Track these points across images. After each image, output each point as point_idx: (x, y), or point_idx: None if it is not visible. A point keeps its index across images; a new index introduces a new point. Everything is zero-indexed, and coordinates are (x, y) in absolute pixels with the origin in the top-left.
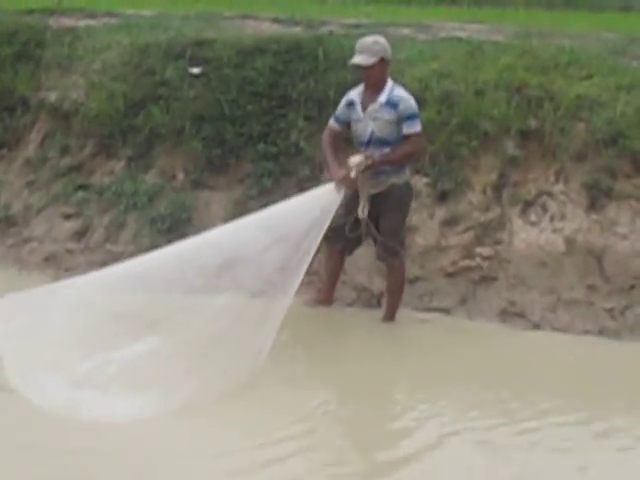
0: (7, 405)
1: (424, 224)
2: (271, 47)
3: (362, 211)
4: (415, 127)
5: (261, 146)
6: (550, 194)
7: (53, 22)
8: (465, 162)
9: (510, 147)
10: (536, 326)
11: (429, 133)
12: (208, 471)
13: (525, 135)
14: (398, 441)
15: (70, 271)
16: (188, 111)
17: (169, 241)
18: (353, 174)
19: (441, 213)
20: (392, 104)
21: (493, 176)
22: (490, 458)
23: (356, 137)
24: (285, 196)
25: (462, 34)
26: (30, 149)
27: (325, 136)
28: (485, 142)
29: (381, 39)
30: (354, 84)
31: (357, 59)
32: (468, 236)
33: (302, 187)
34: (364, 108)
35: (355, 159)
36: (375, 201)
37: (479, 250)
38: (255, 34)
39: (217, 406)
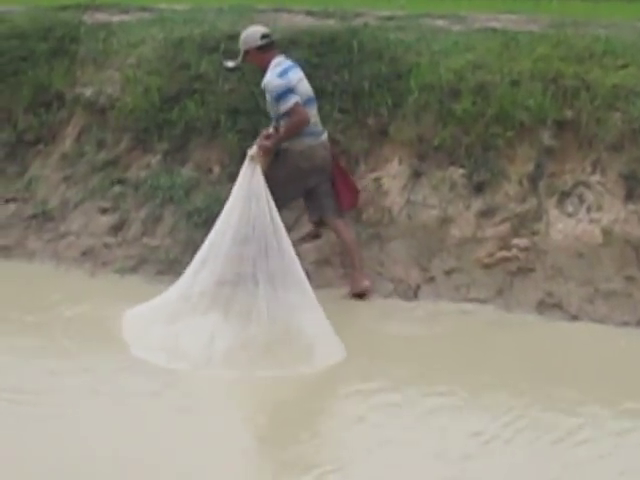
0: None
1: (460, 215)
2: (305, 40)
3: None
4: (287, 104)
5: None
6: (587, 184)
7: (87, 18)
8: (501, 153)
9: (546, 137)
10: (574, 317)
11: (465, 124)
12: None
13: (561, 125)
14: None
15: (107, 265)
16: (223, 104)
17: (205, 235)
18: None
19: (477, 204)
20: (264, 88)
21: (529, 167)
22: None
23: None
24: None
25: (497, 25)
26: (66, 144)
27: None
28: (521, 133)
29: (243, 33)
30: (389, 76)
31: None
32: (504, 227)
33: None
34: None
35: (253, 147)
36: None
37: (516, 241)
38: (289, 27)
39: None
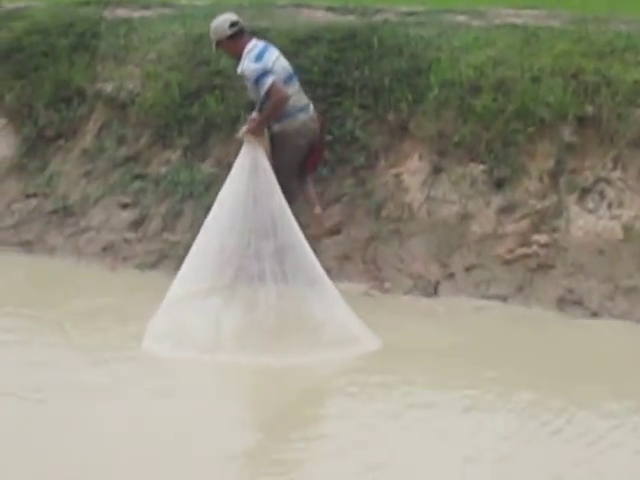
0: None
1: (480, 212)
2: (325, 35)
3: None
4: (265, 85)
5: None
6: (607, 181)
7: (108, 13)
8: (521, 149)
9: (567, 134)
10: (594, 314)
11: (485, 120)
12: None
13: (582, 121)
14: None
15: (127, 260)
16: (243, 100)
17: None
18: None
19: (497, 200)
20: (244, 77)
21: (550, 163)
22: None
23: None
24: (341, 184)
25: (517, 20)
26: (87, 139)
27: None
28: (541, 129)
29: (212, 24)
30: (409, 71)
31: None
32: (525, 223)
33: (357, 175)
34: None
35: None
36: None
37: (536, 238)
38: (309, 23)
39: None
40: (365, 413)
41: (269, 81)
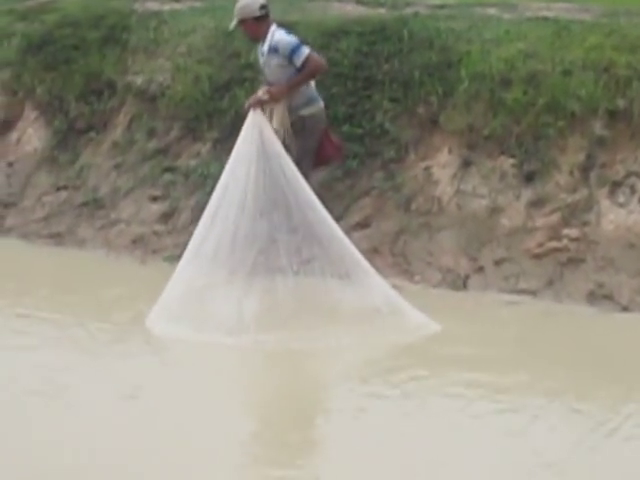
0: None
1: (510, 205)
2: (355, 29)
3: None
4: (303, 54)
5: (346, 127)
6: (638, 175)
7: (139, 6)
8: (552, 143)
9: (598, 127)
10: (625, 308)
11: (516, 113)
12: None
13: (613, 115)
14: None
15: (157, 253)
16: None
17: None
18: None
19: (527, 194)
20: (274, 49)
21: (580, 157)
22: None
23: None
24: (370, 178)
25: (548, 13)
26: (117, 132)
27: None
28: (572, 122)
29: (241, 2)
30: (439, 65)
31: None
32: (555, 217)
33: (387, 169)
34: (262, 56)
35: (258, 92)
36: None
37: (566, 231)
38: (339, 16)
39: None
40: (391, 404)
41: (306, 51)
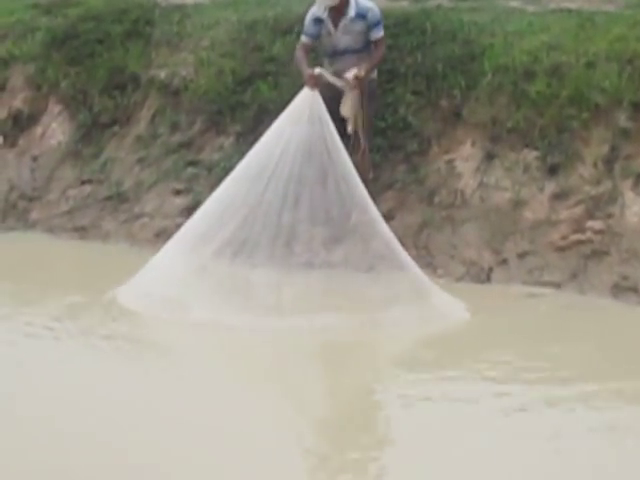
0: None
1: (534, 198)
2: None
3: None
4: (380, 32)
5: None
6: None
7: (162, 0)
8: (576, 135)
9: (622, 119)
10: None
11: (539, 106)
12: None
13: (637, 107)
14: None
15: None
16: (296, 86)
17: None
18: (316, 71)
19: (551, 187)
20: (361, 15)
21: (604, 149)
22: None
23: (324, 49)
24: (393, 171)
25: (572, 5)
26: (141, 126)
27: (299, 50)
28: (596, 114)
29: None
30: (462, 57)
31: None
32: (579, 210)
33: (410, 162)
34: (335, 24)
35: (349, 74)
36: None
37: (590, 224)
38: None
39: None
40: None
41: (382, 32)
